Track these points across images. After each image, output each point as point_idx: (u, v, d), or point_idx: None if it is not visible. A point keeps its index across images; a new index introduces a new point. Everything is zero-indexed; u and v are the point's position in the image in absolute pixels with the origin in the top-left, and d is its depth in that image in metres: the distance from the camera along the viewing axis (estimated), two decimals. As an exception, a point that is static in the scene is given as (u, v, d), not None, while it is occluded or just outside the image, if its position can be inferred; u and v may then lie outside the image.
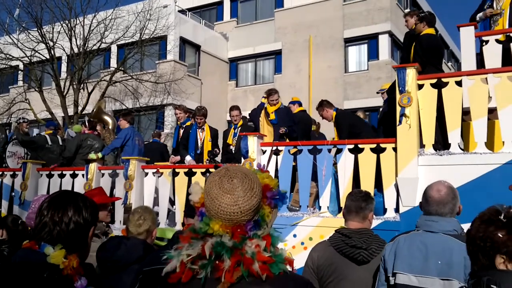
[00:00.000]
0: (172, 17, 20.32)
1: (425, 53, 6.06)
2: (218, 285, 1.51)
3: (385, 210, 5.69)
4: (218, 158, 8.19)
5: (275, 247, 1.60)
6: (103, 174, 7.83)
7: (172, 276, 1.57)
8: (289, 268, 1.61)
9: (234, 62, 23.79)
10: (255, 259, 1.52)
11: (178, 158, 8.32)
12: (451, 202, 2.74)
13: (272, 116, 7.45)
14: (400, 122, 5.50)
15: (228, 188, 1.58)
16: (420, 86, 5.63)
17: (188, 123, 8.47)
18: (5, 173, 8.71)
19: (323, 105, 7.37)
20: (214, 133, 8.25)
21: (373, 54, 20.18)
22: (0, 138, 9.36)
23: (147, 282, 2.65)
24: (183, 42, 21.59)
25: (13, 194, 8.49)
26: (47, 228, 1.77)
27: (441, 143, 5.68)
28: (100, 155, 7.98)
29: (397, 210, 5.55)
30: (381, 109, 8.36)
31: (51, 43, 18.17)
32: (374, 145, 5.84)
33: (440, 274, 2.59)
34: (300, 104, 8.52)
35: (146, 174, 7.41)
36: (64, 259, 1.71)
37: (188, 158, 7.91)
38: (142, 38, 18.83)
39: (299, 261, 3.33)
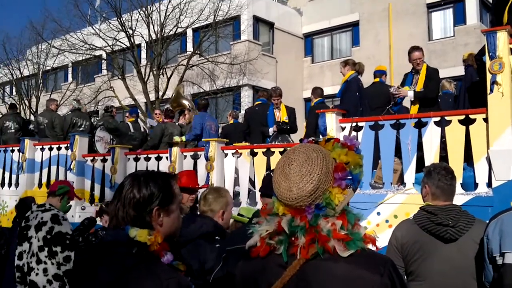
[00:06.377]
0: (245, -5, 20.29)
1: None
2: (293, 261, 1.55)
3: (476, 185, 5.34)
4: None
5: (352, 225, 1.58)
6: (185, 156, 8.08)
7: (253, 250, 1.66)
8: (370, 246, 1.59)
9: (309, 38, 23.27)
10: (331, 236, 1.53)
11: None
12: None
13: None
14: (492, 90, 5.08)
15: (286, 173, 1.63)
16: (513, 50, 5.16)
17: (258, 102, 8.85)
18: (96, 158, 9.26)
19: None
20: (290, 111, 8.41)
21: (459, 18, 18.79)
22: (85, 126, 9.99)
23: (231, 261, 2.68)
24: (257, 20, 21.50)
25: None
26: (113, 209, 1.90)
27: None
28: (183, 138, 8.53)
29: (489, 184, 5.19)
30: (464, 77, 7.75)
31: (131, 31, 18.84)
32: (462, 117, 5.46)
33: None
34: (375, 75, 7.85)
35: (226, 155, 7.53)
36: (149, 236, 1.79)
37: (271, 129, 8.17)
38: (216, 20, 19.00)
39: (384, 239, 3.22)
